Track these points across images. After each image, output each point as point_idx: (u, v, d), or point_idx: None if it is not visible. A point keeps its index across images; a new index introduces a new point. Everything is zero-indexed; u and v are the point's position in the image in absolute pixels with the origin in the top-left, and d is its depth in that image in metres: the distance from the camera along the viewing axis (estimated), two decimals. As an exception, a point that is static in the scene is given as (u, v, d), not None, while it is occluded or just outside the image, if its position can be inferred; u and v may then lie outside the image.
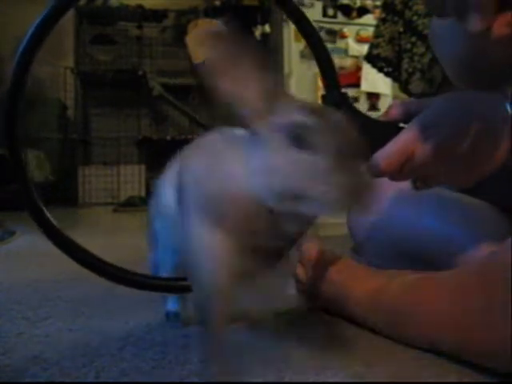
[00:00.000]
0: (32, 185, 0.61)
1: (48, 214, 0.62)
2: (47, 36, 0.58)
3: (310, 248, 0.71)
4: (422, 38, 1.34)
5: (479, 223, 0.75)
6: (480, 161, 0.51)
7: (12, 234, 1.74)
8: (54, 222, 0.62)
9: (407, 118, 0.54)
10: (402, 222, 0.81)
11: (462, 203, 0.79)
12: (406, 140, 0.51)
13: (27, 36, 0.58)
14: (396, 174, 0.53)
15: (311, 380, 0.51)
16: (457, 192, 0.79)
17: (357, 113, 0.57)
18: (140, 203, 3.19)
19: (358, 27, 3.37)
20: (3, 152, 0.58)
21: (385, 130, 0.54)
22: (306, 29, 0.60)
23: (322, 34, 3.29)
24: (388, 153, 0.51)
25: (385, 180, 0.54)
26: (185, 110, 3.71)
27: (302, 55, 3.16)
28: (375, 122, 0.56)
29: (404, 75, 1.40)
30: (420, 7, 1.34)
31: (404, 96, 1.50)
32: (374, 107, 3.29)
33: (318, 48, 0.60)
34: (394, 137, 0.52)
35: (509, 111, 0.50)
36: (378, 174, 0.52)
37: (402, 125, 0.54)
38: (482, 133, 0.50)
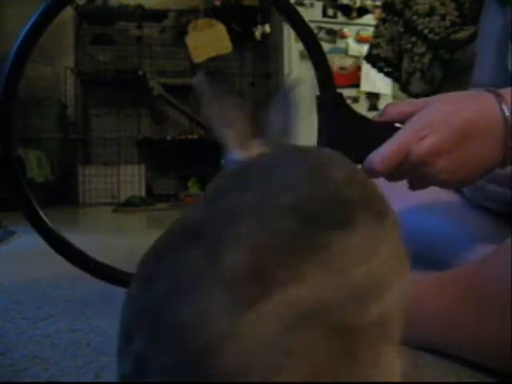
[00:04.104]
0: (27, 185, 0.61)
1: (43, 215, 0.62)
2: (41, 35, 0.58)
3: None
4: (422, 37, 1.34)
5: (479, 224, 0.75)
6: (475, 161, 0.52)
7: (12, 233, 1.74)
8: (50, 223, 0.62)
9: (403, 118, 0.54)
10: (401, 222, 0.81)
11: (461, 203, 0.79)
12: (402, 140, 0.52)
13: (22, 35, 0.58)
14: (392, 174, 0.54)
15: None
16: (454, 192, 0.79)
17: (353, 113, 0.57)
18: (140, 203, 3.19)
19: (358, 27, 3.37)
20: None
21: (381, 130, 0.54)
22: (300, 28, 0.60)
23: (322, 34, 3.29)
24: (384, 153, 0.52)
25: (382, 180, 0.55)
26: (185, 110, 3.70)
27: (302, 55, 3.16)
28: (371, 122, 0.56)
29: (404, 75, 1.40)
30: (420, 7, 1.34)
31: (404, 96, 1.50)
32: (374, 107, 3.29)
33: (312, 47, 0.59)
34: (390, 137, 0.53)
35: (505, 112, 0.50)
36: (374, 174, 0.53)
37: (397, 125, 0.55)
38: (476, 133, 0.51)
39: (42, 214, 0.62)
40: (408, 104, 0.55)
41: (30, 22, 0.58)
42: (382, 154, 0.52)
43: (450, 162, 0.51)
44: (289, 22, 0.60)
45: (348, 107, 0.57)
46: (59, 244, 0.64)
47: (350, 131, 0.55)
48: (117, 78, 3.52)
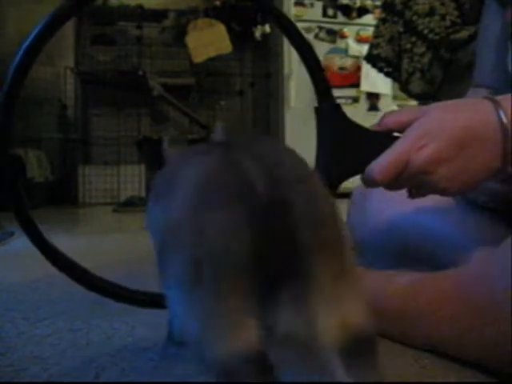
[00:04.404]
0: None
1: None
2: (49, 40, 0.58)
3: None
4: (422, 37, 1.34)
5: (479, 224, 0.75)
6: (474, 169, 0.52)
7: (11, 234, 1.74)
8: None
9: (400, 127, 0.54)
10: (401, 223, 0.81)
11: (460, 204, 0.79)
12: (400, 150, 0.52)
13: (30, 38, 0.58)
14: (392, 184, 0.54)
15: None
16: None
17: (351, 123, 0.57)
18: (140, 203, 3.19)
19: (358, 27, 3.37)
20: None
21: (379, 140, 0.54)
22: (296, 40, 0.59)
23: (322, 34, 3.29)
24: (383, 164, 0.52)
25: None
26: (185, 110, 3.70)
27: (302, 55, 3.15)
28: (369, 132, 0.57)
29: (404, 75, 1.40)
30: (420, 7, 1.34)
31: (404, 96, 1.50)
32: (374, 107, 3.29)
33: (309, 60, 0.59)
34: (389, 147, 0.53)
35: (503, 118, 0.50)
36: (374, 184, 0.53)
37: (396, 134, 0.55)
38: (474, 141, 0.51)
39: (32, 216, 0.62)
40: (405, 113, 0.55)
41: (36, 30, 0.57)
42: (381, 164, 0.52)
43: (449, 171, 0.52)
44: (285, 35, 0.59)
45: (346, 118, 0.57)
46: (45, 247, 0.64)
47: (348, 142, 0.56)
48: (117, 78, 3.52)
